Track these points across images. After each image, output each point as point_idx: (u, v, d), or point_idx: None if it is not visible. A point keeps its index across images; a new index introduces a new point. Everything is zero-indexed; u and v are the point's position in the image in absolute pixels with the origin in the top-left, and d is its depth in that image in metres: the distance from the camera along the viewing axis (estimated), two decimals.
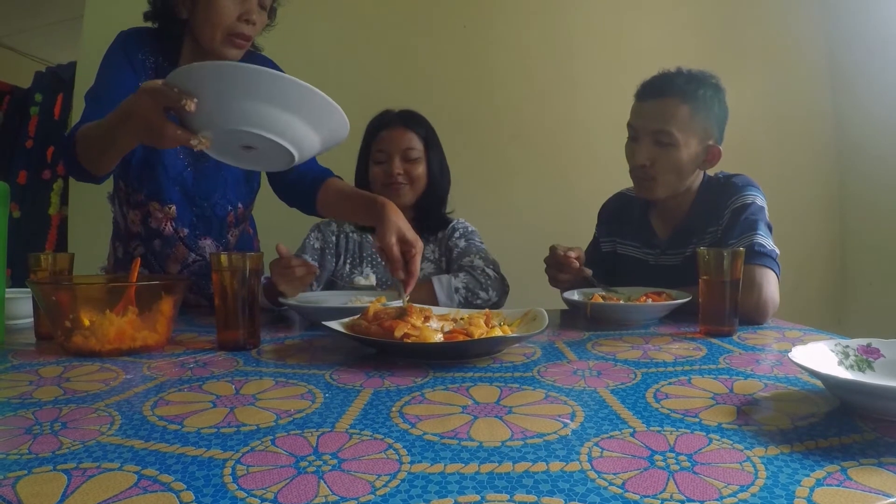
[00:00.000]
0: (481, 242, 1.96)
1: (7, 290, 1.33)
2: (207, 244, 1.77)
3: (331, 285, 1.92)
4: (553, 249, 1.68)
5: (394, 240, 1.34)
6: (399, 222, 1.37)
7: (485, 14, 3.14)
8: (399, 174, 1.89)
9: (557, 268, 1.67)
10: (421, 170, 1.93)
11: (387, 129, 1.95)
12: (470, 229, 1.99)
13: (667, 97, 1.64)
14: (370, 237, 1.96)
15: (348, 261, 1.96)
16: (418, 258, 1.35)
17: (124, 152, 1.37)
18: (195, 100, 1.04)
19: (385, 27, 3.12)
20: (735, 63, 3.02)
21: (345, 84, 2.93)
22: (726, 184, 1.70)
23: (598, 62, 3.12)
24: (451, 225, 1.99)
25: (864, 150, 2.96)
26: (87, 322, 1.10)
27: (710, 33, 3.11)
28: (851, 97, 3.03)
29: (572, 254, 1.65)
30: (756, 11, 3.12)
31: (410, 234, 1.36)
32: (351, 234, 1.99)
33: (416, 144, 1.93)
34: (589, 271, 1.65)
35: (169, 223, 1.71)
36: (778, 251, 1.55)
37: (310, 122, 1.12)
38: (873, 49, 2.87)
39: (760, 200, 1.64)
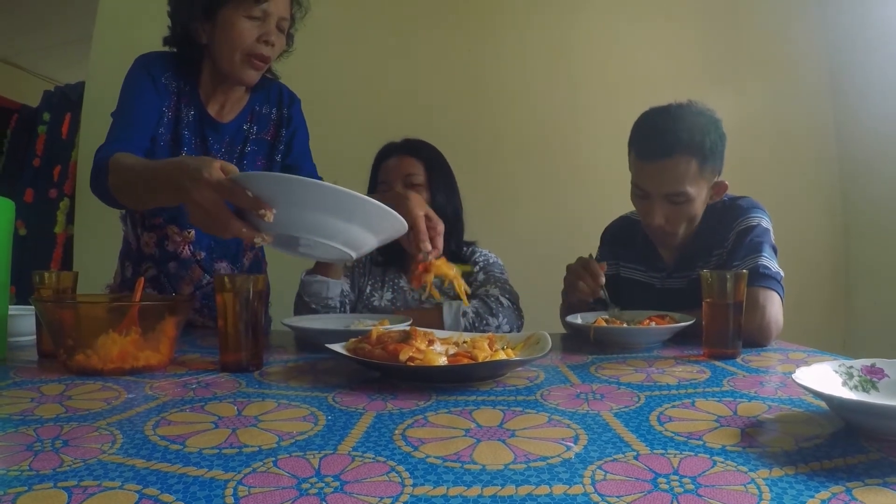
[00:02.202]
0: (502, 273, 1.92)
1: (10, 307, 1.33)
2: (223, 266, 1.79)
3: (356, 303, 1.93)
4: (588, 257, 1.66)
5: (422, 213, 1.33)
6: (425, 204, 1.37)
7: (489, 37, 3.16)
8: None
9: (579, 275, 1.62)
10: (423, 197, 1.89)
11: (388, 158, 1.95)
12: (491, 261, 1.96)
13: (674, 156, 1.59)
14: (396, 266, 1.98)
15: (370, 282, 1.96)
16: (441, 238, 1.34)
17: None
18: (273, 210, 1.05)
19: (391, 51, 3.15)
20: (736, 83, 3.04)
21: (350, 108, 2.95)
22: (732, 206, 1.70)
23: (600, 82, 3.14)
24: (472, 259, 1.96)
25: (867, 168, 2.96)
26: (89, 340, 1.10)
27: (711, 51, 3.14)
28: (853, 114, 3.04)
29: (603, 268, 1.63)
30: (756, 30, 3.14)
31: (434, 214, 1.37)
32: (378, 257, 1.99)
33: (418, 170, 1.91)
34: (605, 293, 1.63)
35: (187, 247, 1.73)
36: (783, 273, 1.54)
37: (369, 228, 1.15)
38: (874, 64, 2.88)
39: (766, 223, 1.64)
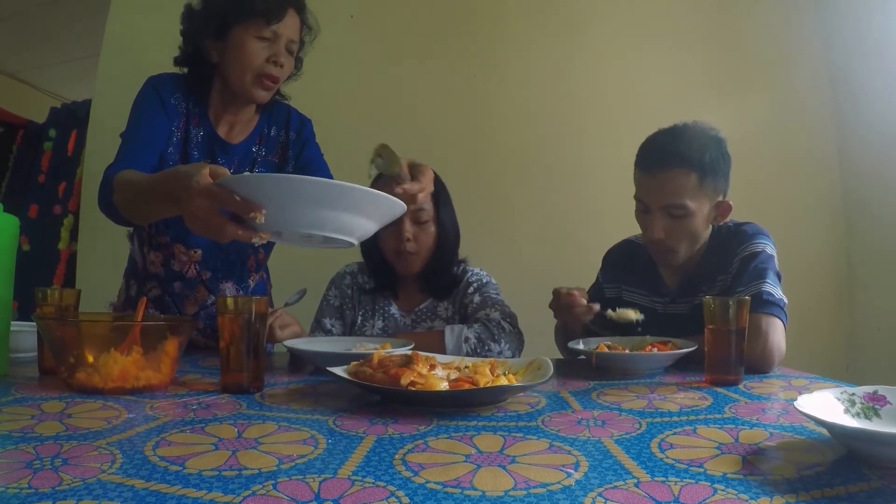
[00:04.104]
0: (497, 294, 1.91)
1: (13, 323, 1.33)
2: (228, 287, 1.79)
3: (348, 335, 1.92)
4: (556, 293, 1.65)
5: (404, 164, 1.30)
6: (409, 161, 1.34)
7: (493, 61, 3.18)
8: (409, 240, 1.83)
9: (566, 310, 1.64)
10: (431, 231, 1.88)
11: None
12: (485, 280, 1.94)
13: (674, 168, 1.62)
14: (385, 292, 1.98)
15: (360, 312, 1.95)
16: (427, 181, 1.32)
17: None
18: (263, 211, 1.06)
19: (397, 74, 3.16)
20: (739, 105, 3.04)
21: (354, 130, 2.96)
22: (736, 232, 1.70)
23: (602, 104, 3.15)
24: (465, 279, 1.94)
25: (870, 191, 2.95)
26: (90, 359, 1.10)
27: (712, 73, 3.14)
28: (856, 134, 3.03)
29: (575, 292, 1.63)
30: (757, 50, 3.13)
31: (422, 164, 1.35)
32: (364, 286, 1.98)
33: (426, 204, 1.87)
34: (597, 306, 1.62)
35: (193, 266, 1.73)
36: (786, 300, 1.54)
37: (363, 214, 1.15)
38: (875, 81, 2.88)
39: (770, 249, 1.64)
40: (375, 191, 1.12)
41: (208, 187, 1.07)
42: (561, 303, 1.64)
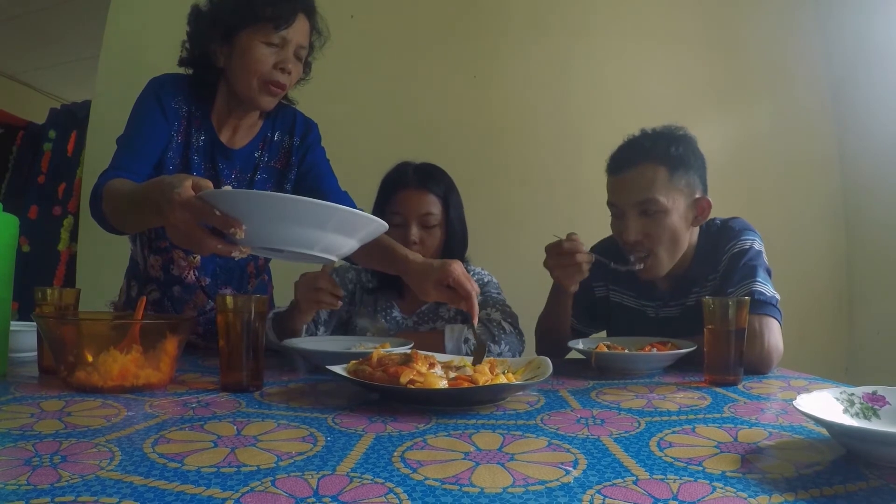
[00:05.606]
0: (499, 293, 1.90)
1: (12, 322, 1.33)
2: (227, 293, 1.76)
3: (339, 332, 1.90)
4: (553, 245, 1.61)
5: (473, 289, 1.40)
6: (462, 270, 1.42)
7: (494, 62, 3.18)
8: (415, 243, 1.82)
9: (568, 259, 1.59)
10: (438, 235, 1.88)
11: (404, 189, 1.88)
12: (486, 280, 1.94)
13: (640, 164, 1.61)
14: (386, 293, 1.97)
15: (357, 310, 1.94)
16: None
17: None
18: (244, 227, 1.06)
19: (398, 75, 3.17)
20: (739, 109, 3.05)
21: (355, 135, 2.96)
22: (723, 228, 1.68)
23: (603, 106, 3.15)
24: None
25: (871, 197, 2.96)
26: (90, 358, 1.09)
27: (714, 76, 3.14)
28: (857, 141, 3.03)
29: (576, 237, 1.59)
30: (758, 54, 3.14)
31: (471, 280, 1.42)
32: (367, 284, 1.97)
33: (435, 208, 1.87)
34: (592, 256, 1.60)
35: (192, 272, 1.72)
36: (778, 296, 1.52)
37: (345, 234, 1.16)
38: (877, 89, 2.88)
39: (758, 244, 1.61)
40: (353, 210, 1.15)
41: (190, 200, 1.07)
42: (563, 249, 1.59)
